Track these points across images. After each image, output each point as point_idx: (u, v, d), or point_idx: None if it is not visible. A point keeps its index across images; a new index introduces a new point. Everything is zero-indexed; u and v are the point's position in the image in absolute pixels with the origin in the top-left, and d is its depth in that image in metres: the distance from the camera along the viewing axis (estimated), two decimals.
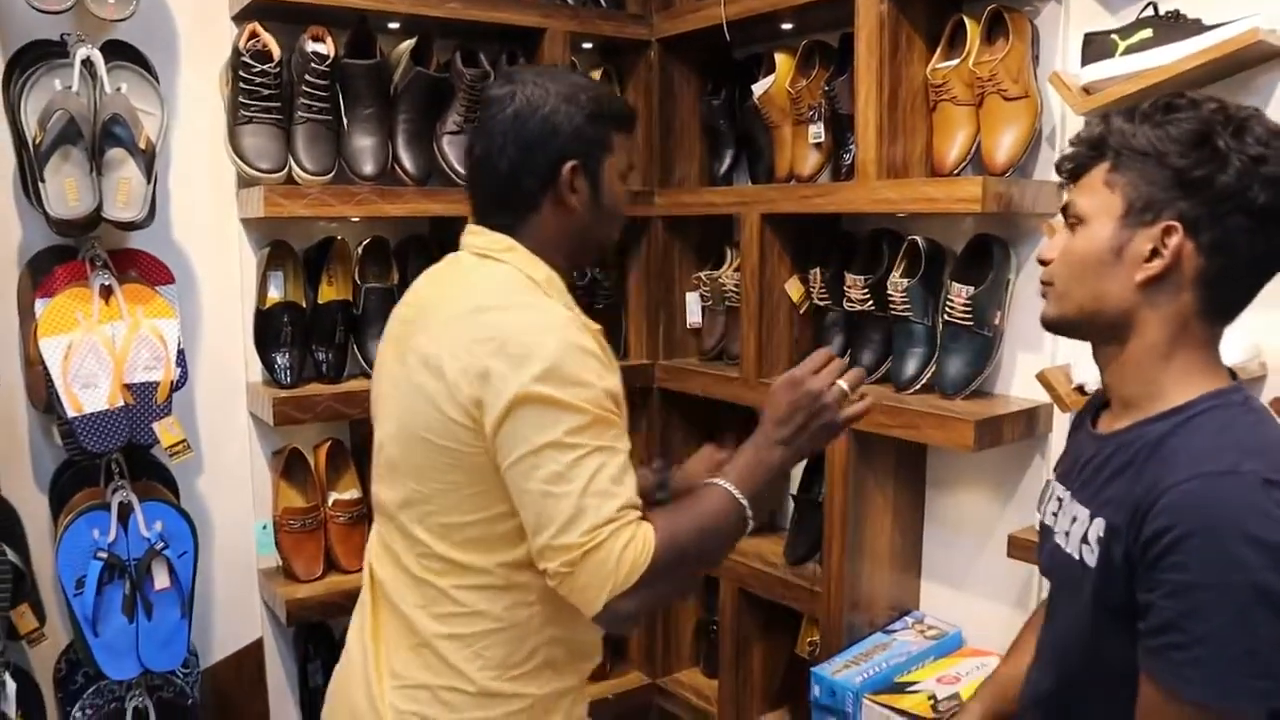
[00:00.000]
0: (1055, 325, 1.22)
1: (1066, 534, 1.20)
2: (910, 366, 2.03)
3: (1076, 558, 1.16)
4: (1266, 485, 0.98)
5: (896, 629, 2.12)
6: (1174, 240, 1.08)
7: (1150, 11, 1.73)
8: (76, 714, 1.93)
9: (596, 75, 2.48)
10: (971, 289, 1.92)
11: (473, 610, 1.30)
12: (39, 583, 1.94)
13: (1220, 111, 1.08)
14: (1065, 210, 1.20)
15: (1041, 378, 1.76)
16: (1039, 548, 1.35)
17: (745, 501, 1.28)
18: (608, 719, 2.50)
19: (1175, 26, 1.68)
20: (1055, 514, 1.25)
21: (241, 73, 1.96)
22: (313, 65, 1.99)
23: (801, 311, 2.28)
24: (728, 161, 2.49)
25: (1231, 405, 1.09)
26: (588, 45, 2.49)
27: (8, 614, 1.78)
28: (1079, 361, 1.72)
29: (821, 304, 2.24)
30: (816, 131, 2.21)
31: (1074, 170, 1.19)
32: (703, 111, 2.53)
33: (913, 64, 1.99)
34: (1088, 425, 1.26)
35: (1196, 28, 1.65)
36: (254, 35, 1.98)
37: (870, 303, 2.10)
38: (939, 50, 1.98)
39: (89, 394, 1.78)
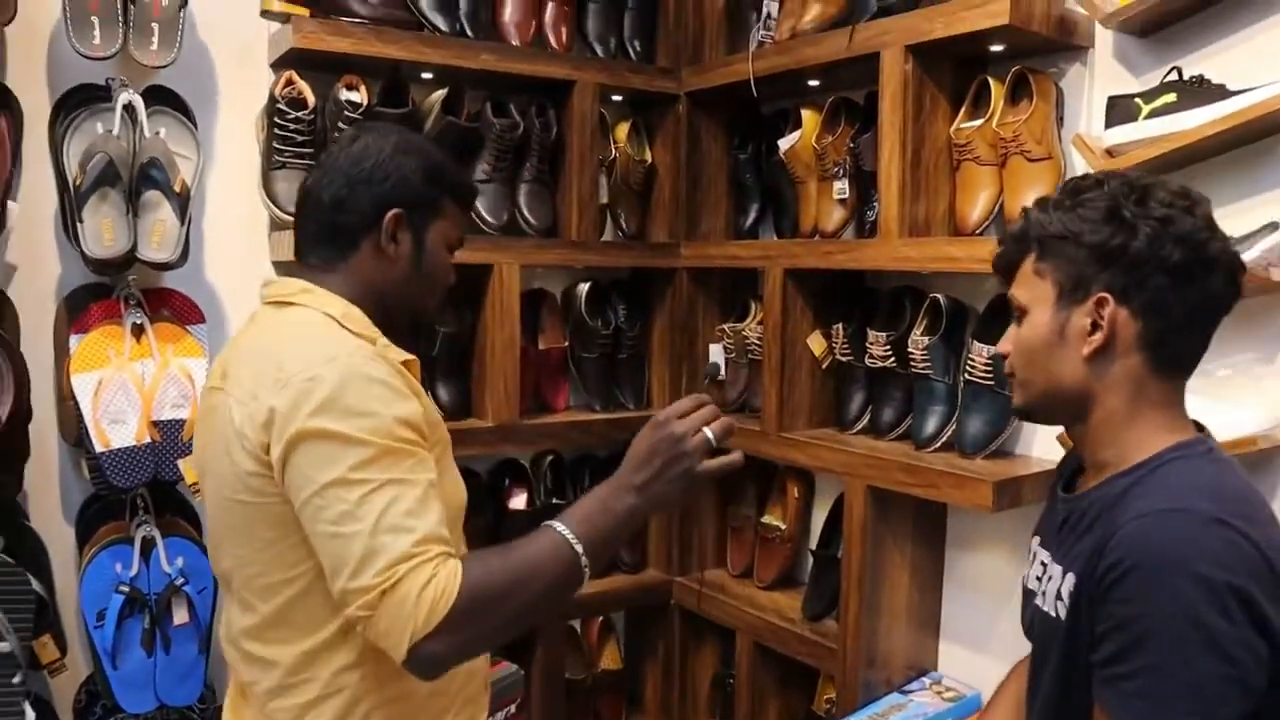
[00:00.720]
0: (1025, 413, 1.29)
1: (1045, 594, 1.23)
2: (930, 425, 2.03)
3: (1053, 615, 1.19)
4: (1215, 524, 1.02)
5: (914, 689, 2.09)
6: (1108, 310, 1.14)
7: (1174, 76, 1.73)
8: None
9: (625, 127, 2.52)
10: (993, 348, 1.91)
11: (303, 679, 1.23)
12: (63, 613, 1.96)
13: (1124, 185, 1.16)
14: (1009, 305, 1.26)
15: (1062, 439, 1.75)
16: (1022, 611, 1.36)
17: (581, 548, 1.16)
18: None
19: (1199, 91, 1.68)
20: (1039, 577, 1.27)
21: (276, 119, 2.02)
22: (345, 113, 2.04)
23: (824, 366, 2.28)
24: (753, 215, 2.51)
25: (1194, 456, 1.13)
26: (617, 98, 2.53)
27: (30, 644, 1.80)
28: None
29: (844, 359, 2.24)
30: (841, 188, 2.23)
31: (1006, 267, 1.26)
32: (730, 165, 2.56)
33: (936, 123, 2.01)
34: (1059, 491, 1.30)
35: (1220, 93, 1.65)
36: (290, 83, 2.04)
37: (892, 359, 2.10)
38: (963, 110, 2.00)
39: (117, 430, 1.81)
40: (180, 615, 1.92)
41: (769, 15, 2.29)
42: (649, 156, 2.54)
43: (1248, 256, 1.48)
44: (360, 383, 1.15)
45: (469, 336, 2.30)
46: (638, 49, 2.47)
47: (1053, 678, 1.18)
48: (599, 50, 2.42)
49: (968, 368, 1.95)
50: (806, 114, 2.30)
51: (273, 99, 2.03)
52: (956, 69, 2.03)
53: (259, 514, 1.19)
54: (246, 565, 1.23)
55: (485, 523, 2.32)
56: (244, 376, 1.21)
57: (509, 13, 2.29)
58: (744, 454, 1.24)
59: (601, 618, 2.60)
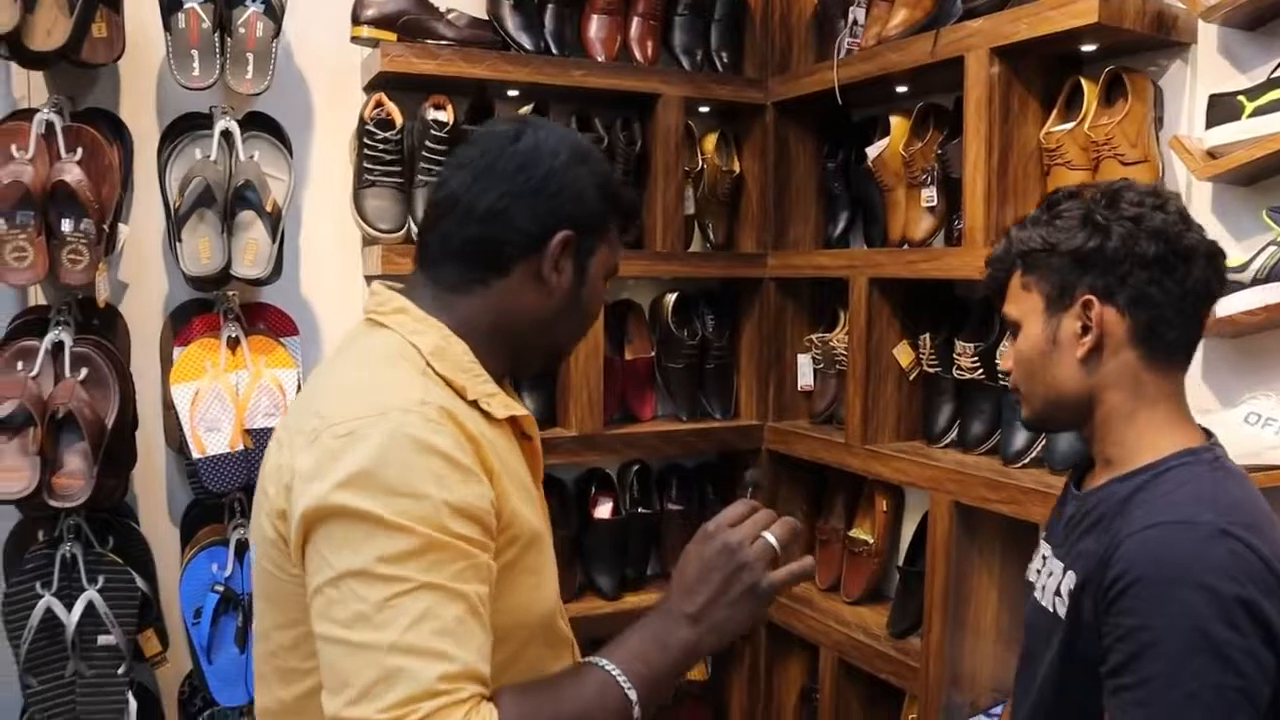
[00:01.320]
0: (1034, 424, 1.35)
1: (1043, 588, 1.25)
2: (1019, 440, 1.95)
3: (1051, 610, 1.21)
4: (1221, 535, 1.03)
5: (1000, 713, 2.01)
6: (1094, 311, 1.17)
7: None
8: None
9: (713, 138, 2.51)
10: None
11: None
12: (170, 611, 2.08)
13: (1095, 191, 1.20)
14: (1005, 325, 1.31)
15: None
16: (1026, 604, 1.37)
17: (635, 697, 0.96)
18: None
19: None
20: (1039, 570, 1.30)
21: (365, 139, 2.10)
22: (432, 132, 2.11)
23: (911, 378, 2.23)
24: (842, 224, 2.47)
25: (1198, 464, 1.14)
26: (704, 109, 2.52)
27: (134, 638, 1.92)
28: None
29: (931, 371, 2.18)
30: (929, 195, 2.17)
31: (995, 288, 1.30)
32: (819, 173, 2.52)
33: (1025, 126, 1.94)
34: (1071, 487, 1.31)
35: None
36: (379, 104, 2.11)
37: (980, 371, 2.04)
38: (1055, 113, 1.92)
39: (213, 437, 1.92)
40: None
41: (855, 22, 2.25)
42: (737, 166, 2.53)
43: None
44: (409, 451, 0.92)
45: None
46: (725, 60, 2.46)
47: (1050, 672, 1.19)
48: (685, 63, 2.42)
49: None
50: (895, 120, 2.26)
51: (362, 121, 2.12)
52: (1049, 70, 1.95)
53: (275, 587, 1.00)
54: (266, 638, 1.05)
55: (570, 533, 2.35)
56: (292, 410, 1.06)
57: (594, 29, 2.32)
58: (811, 562, 1.06)
59: None
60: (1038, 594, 1.27)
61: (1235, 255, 1.59)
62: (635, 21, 2.37)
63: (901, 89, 2.27)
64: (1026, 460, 1.94)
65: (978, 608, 2.00)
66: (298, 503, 0.93)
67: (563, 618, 1.17)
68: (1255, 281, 1.56)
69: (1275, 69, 1.64)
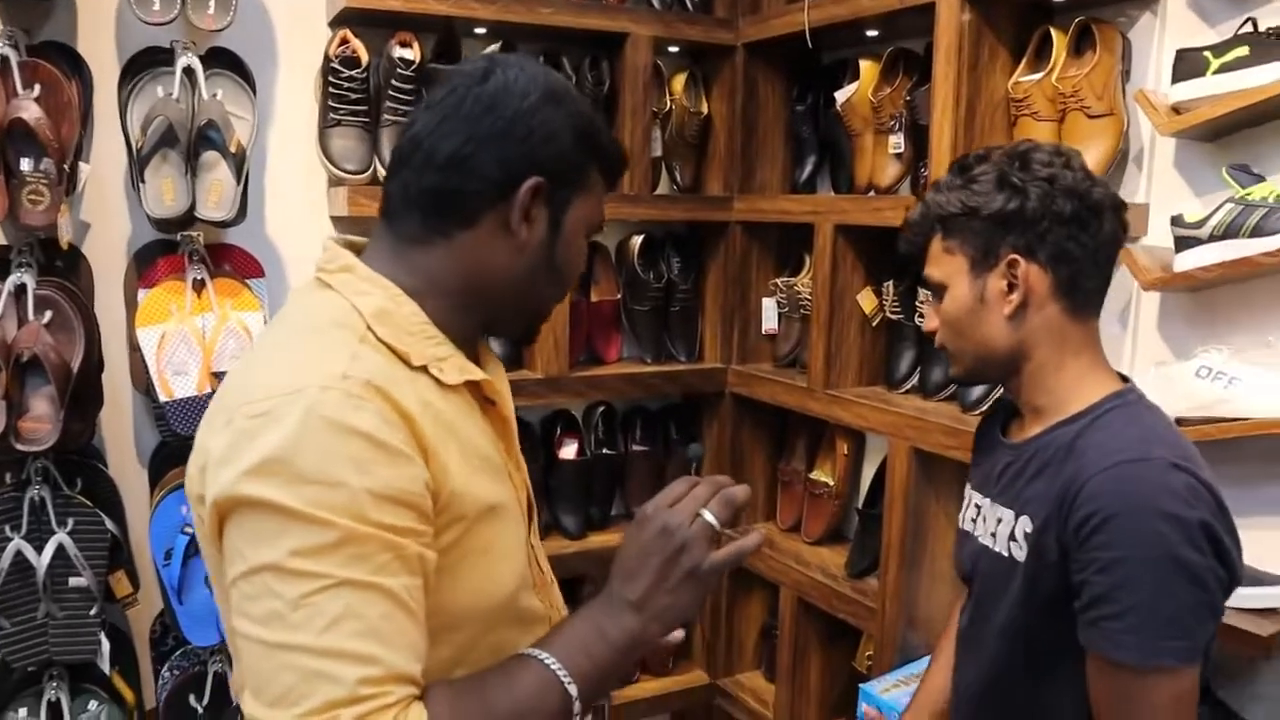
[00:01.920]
0: (964, 380, 1.45)
1: (993, 535, 1.31)
2: (978, 388, 1.99)
3: (1005, 555, 1.27)
4: (1174, 469, 1.12)
5: (918, 671, 2.08)
6: (1019, 269, 1.24)
7: (1249, 28, 1.64)
8: (165, 673, 2.08)
9: (682, 78, 2.49)
10: None
11: None
12: (140, 552, 2.09)
13: (1006, 154, 1.27)
14: (928, 287, 1.36)
15: None
16: (958, 552, 1.44)
17: (575, 692, 0.91)
18: (666, 717, 2.55)
19: (1275, 45, 1.59)
20: (974, 520, 1.37)
21: (330, 78, 2.06)
22: (398, 70, 2.07)
23: (874, 324, 2.26)
24: (809, 168, 2.47)
25: (1130, 404, 1.23)
26: (673, 49, 2.50)
27: (105, 579, 1.94)
28: (1149, 389, 1.66)
29: (894, 317, 2.21)
30: (896, 142, 2.18)
31: (914, 252, 1.36)
32: (787, 117, 2.52)
33: (994, 75, 1.94)
34: (998, 435, 1.38)
35: None
36: (344, 41, 2.07)
37: None
38: (1024, 63, 1.92)
39: (180, 380, 1.91)
40: None
41: None
42: (705, 108, 2.52)
43: None
44: (325, 434, 0.85)
45: None
46: None
47: (1010, 615, 1.25)
48: (655, 1, 2.39)
49: None
50: (865, 65, 2.25)
51: (327, 58, 2.08)
52: (1020, 19, 1.95)
53: (214, 566, 0.95)
54: (223, 615, 0.98)
55: (535, 471, 2.37)
56: (224, 383, 0.99)
57: None
58: (760, 536, 1.00)
59: None
60: (985, 541, 1.32)
61: (1194, 211, 1.63)
62: None
63: (872, 33, 2.26)
64: (984, 408, 1.98)
65: (934, 551, 2.06)
66: (209, 489, 0.87)
67: (536, 592, 1.11)
68: (1212, 238, 1.59)
69: (1242, 25, 1.66)
